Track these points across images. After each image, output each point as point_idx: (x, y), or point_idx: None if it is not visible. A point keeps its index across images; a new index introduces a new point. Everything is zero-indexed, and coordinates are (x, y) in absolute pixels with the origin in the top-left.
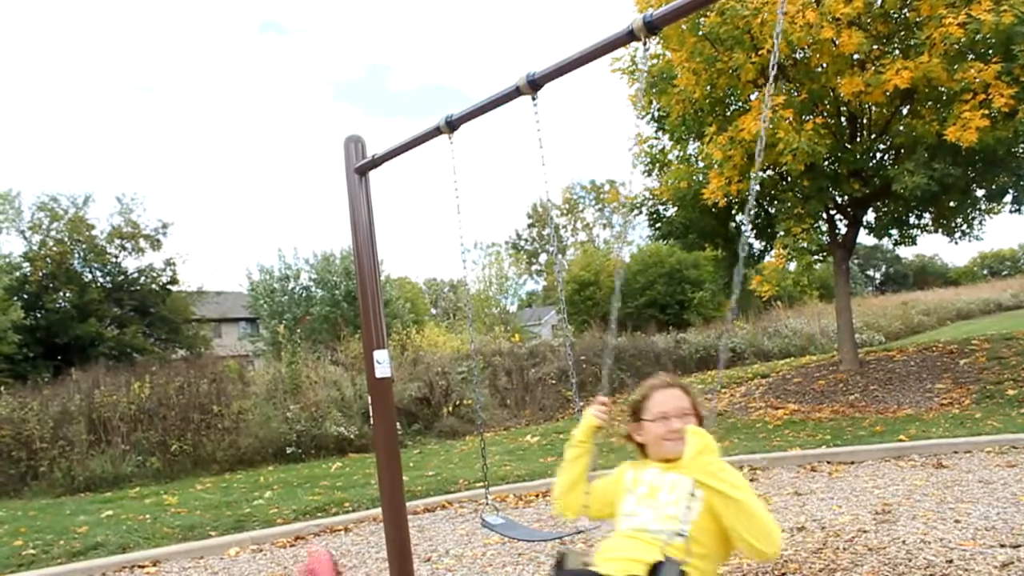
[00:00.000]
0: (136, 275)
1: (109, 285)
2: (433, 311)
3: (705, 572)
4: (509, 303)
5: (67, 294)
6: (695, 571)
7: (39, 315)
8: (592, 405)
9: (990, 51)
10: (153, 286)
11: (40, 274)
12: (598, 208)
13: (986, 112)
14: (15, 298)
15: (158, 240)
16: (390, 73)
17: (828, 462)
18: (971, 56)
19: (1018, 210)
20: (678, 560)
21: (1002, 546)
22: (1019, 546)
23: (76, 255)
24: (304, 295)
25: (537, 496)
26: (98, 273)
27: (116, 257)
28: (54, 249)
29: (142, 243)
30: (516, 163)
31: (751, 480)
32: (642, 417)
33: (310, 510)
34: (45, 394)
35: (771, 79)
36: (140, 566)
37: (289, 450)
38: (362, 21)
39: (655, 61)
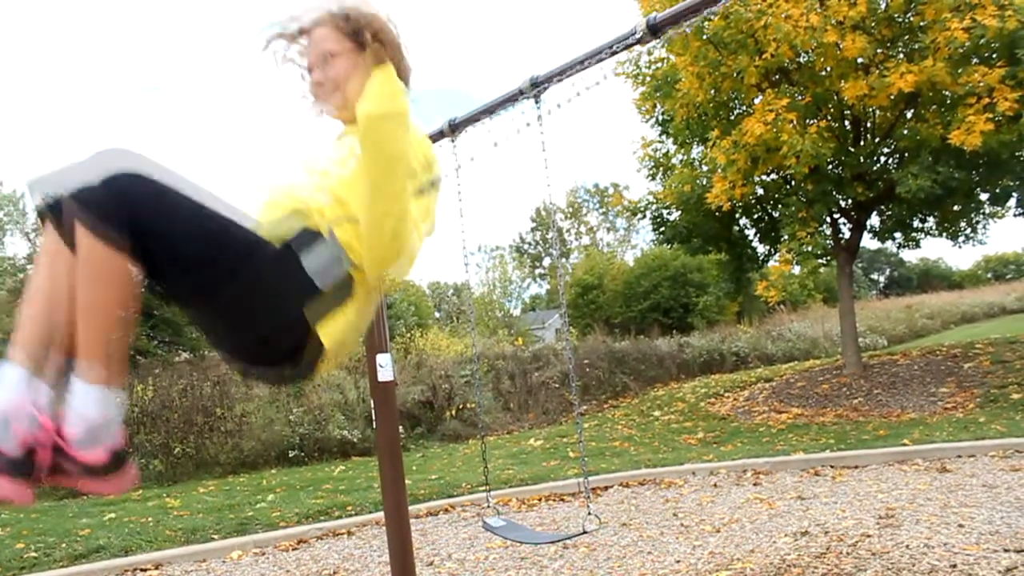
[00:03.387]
0: None
1: None
2: (437, 314)
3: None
4: (513, 306)
5: None
6: (346, 234)
7: None
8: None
9: (994, 55)
10: None
11: None
12: (602, 212)
13: (990, 116)
14: (19, 301)
15: None
16: None
17: (832, 466)
18: (975, 60)
19: (1022, 213)
20: (317, 231)
21: (1006, 551)
22: (1023, 551)
23: None
24: None
25: (540, 500)
26: None
27: None
28: None
29: None
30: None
31: (754, 484)
32: None
33: (313, 513)
34: None
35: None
36: (142, 569)
37: (292, 453)
38: None
39: (659, 65)
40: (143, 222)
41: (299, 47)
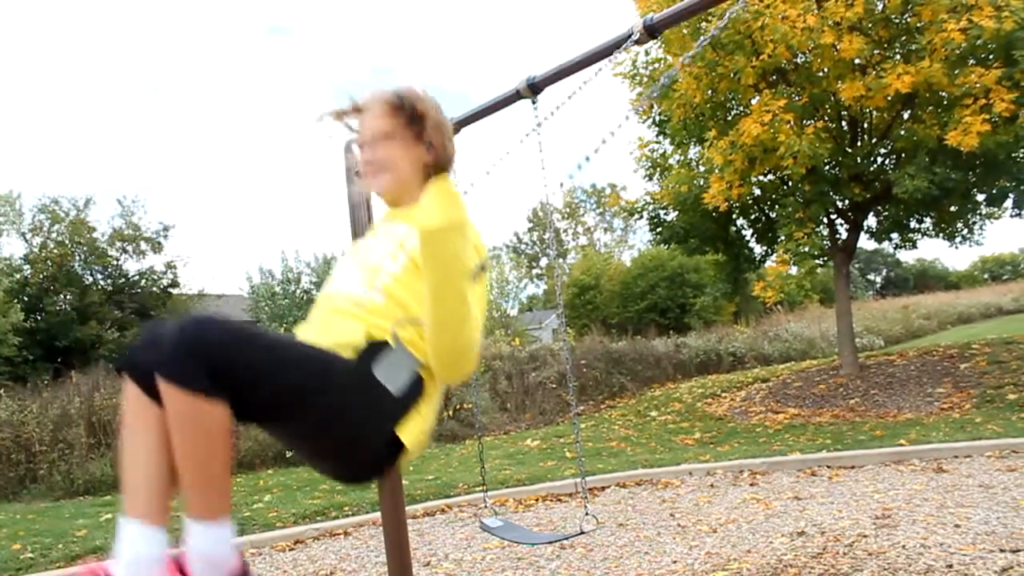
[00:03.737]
0: (137, 278)
1: (110, 288)
2: None
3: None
4: (510, 307)
5: (67, 297)
6: (410, 336)
7: (39, 317)
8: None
9: (991, 56)
10: (154, 289)
11: (40, 276)
12: (599, 212)
13: (987, 117)
14: (15, 300)
15: (159, 243)
16: (394, 76)
17: (828, 466)
18: (972, 61)
19: (1019, 214)
20: (383, 340)
21: (1002, 551)
22: (1019, 551)
23: (77, 257)
24: (305, 298)
25: (537, 500)
26: (99, 276)
27: (117, 260)
28: (55, 251)
29: (143, 246)
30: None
31: (751, 485)
32: None
33: (310, 514)
34: (44, 397)
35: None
36: None
37: (289, 454)
38: (366, 24)
39: (656, 65)
40: (222, 363)
41: (352, 124)
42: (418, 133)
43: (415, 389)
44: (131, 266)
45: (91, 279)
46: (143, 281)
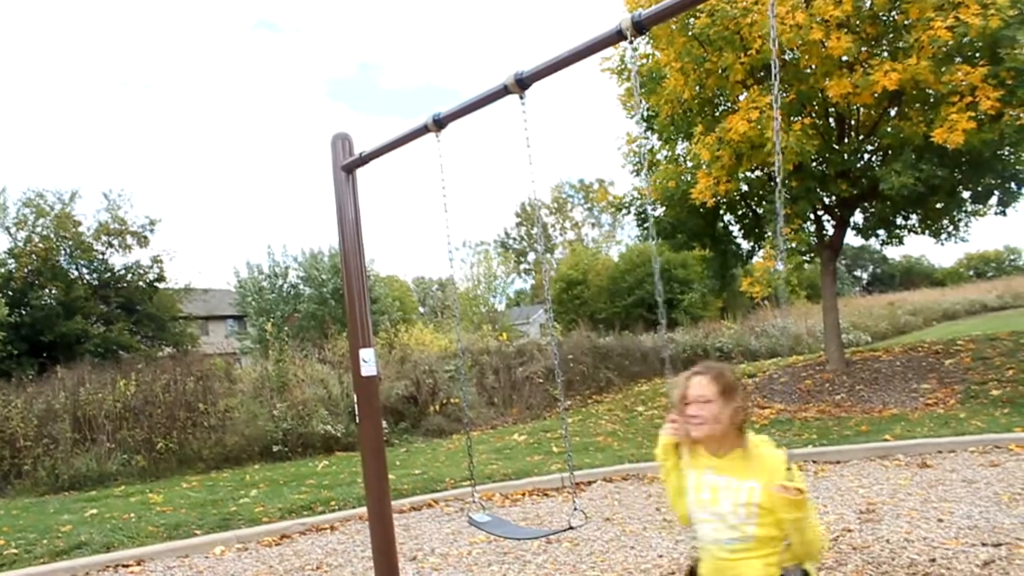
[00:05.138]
0: (123, 272)
1: (95, 282)
2: (421, 309)
3: (777, 545)
4: (497, 302)
5: (53, 291)
6: (770, 544)
7: (24, 312)
8: (667, 425)
9: (977, 54)
10: (140, 283)
11: (25, 271)
12: (587, 207)
13: (972, 114)
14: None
15: (145, 237)
16: (383, 72)
17: (814, 461)
18: (958, 59)
19: (1003, 212)
20: (792, 567)
21: (984, 545)
22: (1000, 544)
23: (62, 252)
24: (292, 293)
25: (523, 495)
26: (84, 270)
27: (103, 254)
28: (40, 246)
29: (129, 240)
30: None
31: None
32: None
33: (296, 509)
34: (29, 392)
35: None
36: (124, 565)
37: (275, 448)
38: (355, 19)
39: (644, 61)
40: None
41: (681, 393)
42: (730, 399)
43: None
44: (117, 260)
45: (76, 273)
46: (129, 275)
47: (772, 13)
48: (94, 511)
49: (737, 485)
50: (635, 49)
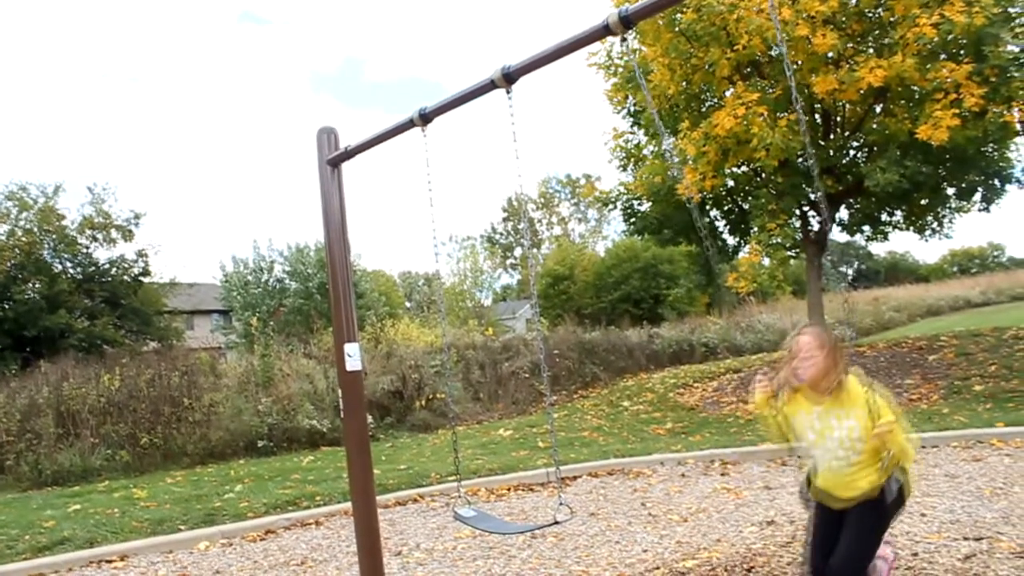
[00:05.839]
0: (107, 266)
1: (79, 276)
2: (408, 304)
3: (880, 457)
4: (484, 297)
5: (36, 285)
6: (873, 459)
7: (7, 306)
8: (756, 383)
9: (962, 52)
10: (124, 277)
11: (8, 265)
12: (573, 202)
13: (957, 111)
14: None
15: (130, 231)
16: (368, 65)
17: (798, 456)
18: (943, 56)
19: (986, 209)
20: (890, 482)
21: (965, 539)
22: (982, 539)
23: (46, 245)
24: (278, 287)
25: (509, 490)
26: (68, 264)
27: (87, 248)
28: (23, 239)
29: (114, 234)
30: (492, 156)
31: (722, 475)
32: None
33: (281, 504)
34: (12, 386)
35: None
36: (107, 561)
37: (261, 443)
38: (340, 12)
39: (631, 56)
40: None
41: (791, 349)
42: (829, 353)
43: (901, 487)
44: (101, 254)
45: (60, 267)
46: (113, 269)
47: (775, 17)
48: (77, 506)
49: (838, 423)
50: (624, 41)
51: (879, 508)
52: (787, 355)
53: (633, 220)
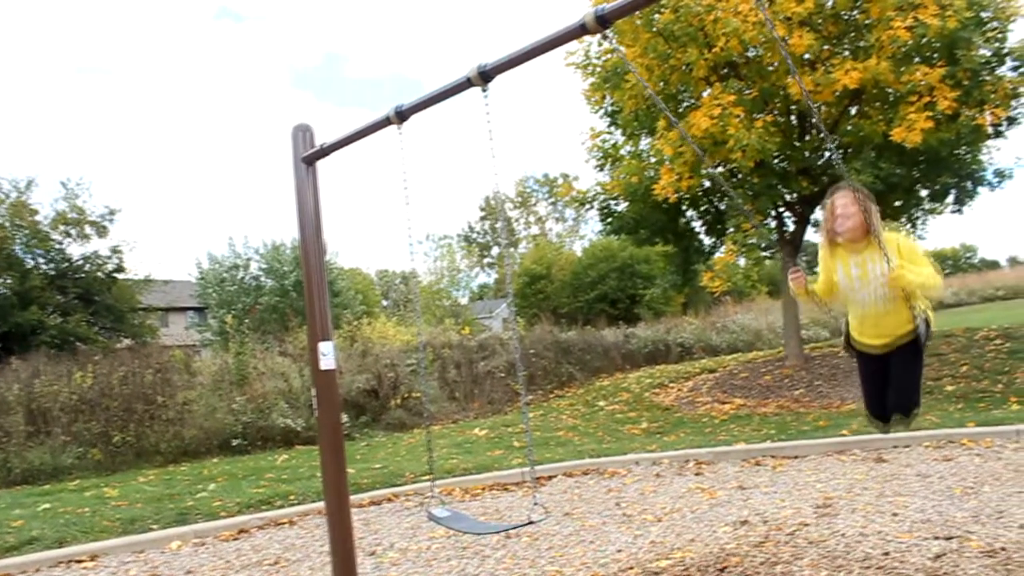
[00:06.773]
0: (81, 262)
1: (52, 272)
2: (384, 303)
3: (913, 297)
4: (460, 295)
5: (8, 281)
6: (908, 303)
7: None
8: (791, 281)
9: (935, 55)
10: (98, 274)
11: None
12: (551, 202)
13: (930, 114)
14: None
15: (104, 227)
16: (348, 62)
17: (772, 456)
18: (917, 59)
19: (959, 210)
20: (919, 322)
21: (936, 538)
22: (952, 538)
23: (17, 241)
24: (254, 285)
25: (483, 489)
26: (41, 260)
27: (60, 243)
28: None
29: (87, 229)
30: (470, 155)
31: (696, 474)
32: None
33: (254, 503)
34: None
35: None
36: (77, 560)
37: (235, 442)
38: (320, 9)
39: (609, 56)
40: None
41: (830, 205)
42: (863, 208)
43: (928, 322)
44: (75, 250)
45: (32, 263)
46: (87, 266)
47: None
48: (47, 505)
49: (872, 268)
50: (606, 39)
51: (916, 345)
52: (825, 214)
53: (610, 220)
